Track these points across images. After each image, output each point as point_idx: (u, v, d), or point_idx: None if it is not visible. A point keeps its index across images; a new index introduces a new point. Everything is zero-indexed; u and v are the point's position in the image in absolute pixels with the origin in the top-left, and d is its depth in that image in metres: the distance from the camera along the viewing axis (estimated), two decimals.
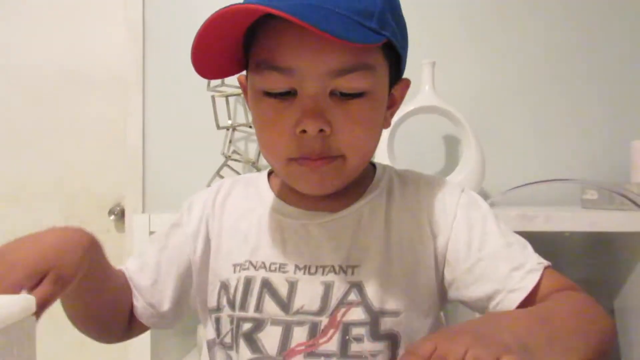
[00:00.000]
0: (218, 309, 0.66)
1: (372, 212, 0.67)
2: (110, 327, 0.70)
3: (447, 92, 1.34)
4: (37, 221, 1.65)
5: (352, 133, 0.59)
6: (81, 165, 1.67)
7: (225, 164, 1.43)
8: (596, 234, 1.24)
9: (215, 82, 1.41)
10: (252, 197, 0.71)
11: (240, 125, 1.46)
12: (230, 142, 1.45)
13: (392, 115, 0.68)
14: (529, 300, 0.61)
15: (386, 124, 0.67)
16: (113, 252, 1.72)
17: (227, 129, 1.45)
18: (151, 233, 1.19)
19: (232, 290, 0.65)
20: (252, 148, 1.53)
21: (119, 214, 1.65)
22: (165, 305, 0.70)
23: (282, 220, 0.67)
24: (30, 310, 0.34)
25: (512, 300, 0.61)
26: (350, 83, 0.57)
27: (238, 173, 1.42)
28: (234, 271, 0.66)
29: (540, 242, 1.33)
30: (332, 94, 0.57)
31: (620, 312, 1.29)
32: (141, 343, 1.51)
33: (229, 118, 1.45)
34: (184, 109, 1.55)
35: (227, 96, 1.43)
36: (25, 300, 0.34)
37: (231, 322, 0.63)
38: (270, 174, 0.74)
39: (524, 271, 0.62)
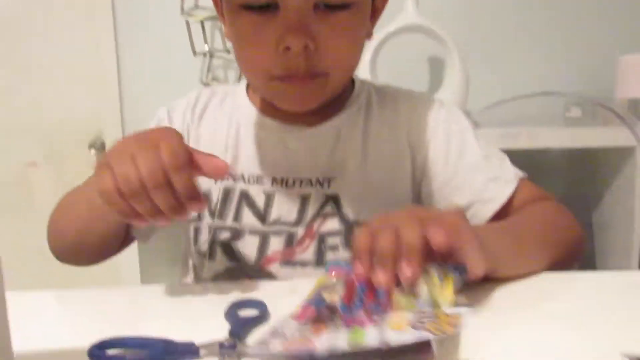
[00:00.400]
0: (198, 218, 0.65)
1: (351, 127, 0.66)
2: (112, 245, 0.65)
3: (430, 10, 1.29)
4: (16, 158, 1.62)
5: (337, 49, 0.56)
6: (55, 99, 1.62)
7: None
8: (578, 150, 1.25)
9: (189, 4, 1.35)
10: (231, 108, 0.69)
11: (218, 51, 1.41)
12: (208, 69, 1.41)
13: (373, 25, 0.65)
14: (504, 211, 0.62)
15: (369, 36, 0.64)
16: None
17: (205, 56, 1.40)
18: None
19: (211, 199, 0.65)
20: (232, 75, 1.49)
21: (100, 148, 1.61)
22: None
23: (261, 133, 0.66)
24: None
25: (487, 210, 0.62)
26: None
27: None
28: (214, 181, 0.65)
29: (524, 159, 1.34)
30: (316, 6, 0.54)
31: (598, 226, 1.33)
32: (130, 268, 1.54)
33: (206, 43, 1.40)
34: (158, 36, 1.49)
35: (202, 20, 1.37)
36: None
37: (209, 231, 0.64)
38: (248, 85, 0.71)
39: (499, 182, 0.63)
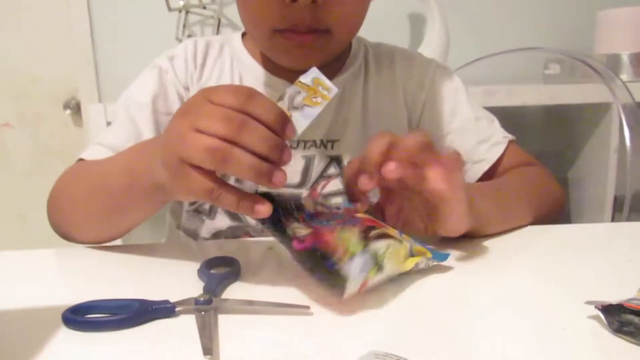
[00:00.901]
0: None
1: (352, 87, 0.66)
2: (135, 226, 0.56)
3: None
4: None
5: (342, 6, 0.55)
6: (28, 58, 1.56)
7: None
8: (556, 107, 1.26)
9: None
10: (231, 61, 0.66)
11: (193, 6, 1.37)
12: (184, 26, 1.37)
13: None
14: (492, 171, 0.65)
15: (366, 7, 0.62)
16: (72, 147, 1.69)
17: (180, 12, 1.36)
18: (109, 124, 1.15)
19: None
20: (208, 31, 1.45)
21: (75, 108, 1.58)
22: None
23: (266, 91, 0.63)
24: None
25: (476, 170, 0.65)
26: None
27: None
28: None
29: (502, 116, 1.35)
30: None
31: (573, 181, 1.36)
32: None
33: None
34: None
35: None
36: None
37: None
38: (243, 35, 0.69)
39: (489, 144, 0.66)
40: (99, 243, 0.54)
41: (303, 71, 0.60)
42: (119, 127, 0.62)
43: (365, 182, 0.42)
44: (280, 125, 0.39)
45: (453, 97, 0.68)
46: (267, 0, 0.54)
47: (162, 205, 0.50)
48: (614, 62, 1.24)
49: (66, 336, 0.35)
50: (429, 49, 1.29)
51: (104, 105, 1.16)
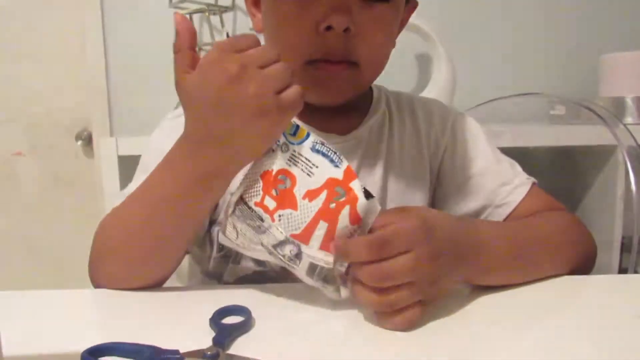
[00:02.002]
0: None
1: (377, 134, 0.67)
2: (180, 258, 0.56)
3: (418, 8, 1.30)
4: (1, 147, 1.61)
5: (373, 38, 0.57)
6: (42, 88, 1.60)
7: None
8: (562, 148, 1.27)
9: None
10: None
11: (206, 45, 1.40)
12: None
13: (397, 35, 0.65)
14: (516, 216, 0.63)
15: (394, 43, 0.64)
16: (83, 177, 1.71)
17: None
18: (120, 157, 1.17)
19: None
20: None
21: (87, 139, 1.61)
22: (206, 223, 0.62)
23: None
24: None
25: (499, 214, 0.64)
26: None
27: None
28: None
29: (509, 156, 1.36)
30: None
31: (582, 220, 1.36)
32: None
33: None
34: (146, 28, 1.48)
35: (190, 13, 1.36)
36: None
37: None
38: None
39: (511, 186, 0.65)
40: (157, 279, 0.53)
41: (325, 116, 0.62)
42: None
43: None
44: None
45: (473, 142, 0.69)
46: (301, 30, 0.56)
47: (216, 194, 0.50)
48: (618, 105, 1.26)
49: None
50: (435, 89, 1.31)
51: (115, 139, 1.18)
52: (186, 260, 0.71)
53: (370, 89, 0.71)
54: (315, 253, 0.44)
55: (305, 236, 0.44)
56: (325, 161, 0.45)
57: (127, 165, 1.15)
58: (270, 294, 0.51)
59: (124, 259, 0.52)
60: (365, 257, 0.42)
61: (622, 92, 1.27)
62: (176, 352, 0.38)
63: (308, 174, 0.45)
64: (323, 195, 0.44)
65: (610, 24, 1.49)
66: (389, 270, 0.42)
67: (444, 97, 1.30)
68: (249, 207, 0.45)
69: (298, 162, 0.45)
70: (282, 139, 0.46)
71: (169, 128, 0.64)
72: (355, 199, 0.43)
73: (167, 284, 0.56)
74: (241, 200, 0.46)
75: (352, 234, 0.44)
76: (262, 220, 0.45)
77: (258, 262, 0.63)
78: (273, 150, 0.45)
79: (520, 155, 1.35)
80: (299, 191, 0.45)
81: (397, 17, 0.60)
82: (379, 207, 0.45)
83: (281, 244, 0.45)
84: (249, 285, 0.54)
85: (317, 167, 0.45)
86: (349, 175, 0.45)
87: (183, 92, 0.46)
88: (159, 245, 0.51)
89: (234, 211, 0.46)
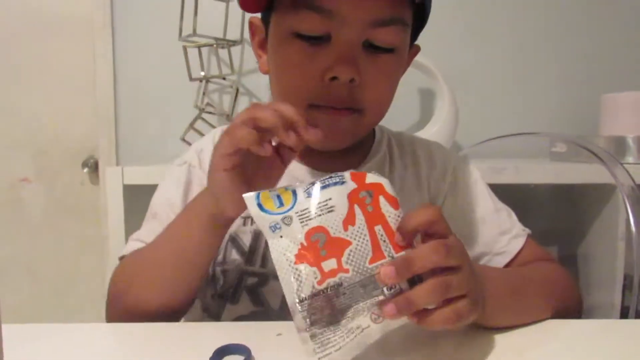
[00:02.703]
0: (224, 261, 0.66)
1: None
2: (188, 305, 0.61)
3: (421, 45, 1.33)
4: (8, 173, 1.63)
5: (377, 87, 0.58)
6: (51, 115, 1.63)
7: (199, 117, 1.41)
8: (563, 185, 1.28)
9: (187, 31, 1.37)
10: None
11: (213, 77, 1.43)
12: (204, 94, 1.43)
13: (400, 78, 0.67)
14: (513, 263, 0.66)
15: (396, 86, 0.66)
16: (88, 205, 1.72)
17: (200, 81, 1.42)
18: (125, 186, 1.18)
19: (241, 244, 0.65)
20: (227, 100, 1.51)
21: (93, 166, 1.63)
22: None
23: (292, 179, 0.65)
24: None
25: (497, 262, 0.66)
26: (386, 36, 0.56)
27: (213, 126, 1.41)
28: (244, 224, 0.65)
29: (510, 193, 1.37)
30: (364, 45, 0.57)
31: (583, 258, 1.36)
32: None
33: (202, 69, 1.42)
34: (156, 59, 1.52)
35: (199, 47, 1.40)
36: None
37: (237, 275, 0.64)
38: None
39: (510, 236, 0.67)
40: (171, 314, 0.58)
41: (324, 156, 0.63)
42: (155, 225, 0.63)
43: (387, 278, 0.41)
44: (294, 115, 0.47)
45: (473, 189, 0.70)
46: (306, 77, 0.57)
47: (220, 233, 0.55)
48: (619, 144, 1.27)
49: None
50: (437, 125, 1.33)
51: (121, 168, 1.19)
52: None
53: (373, 130, 0.72)
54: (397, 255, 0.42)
55: (377, 253, 0.42)
56: (332, 188, 0.43)
57: (132, 193, 1.16)
58: (271, 332, 0.52)
59: (147, 296, 0.57)
60: (435, 259, 0.41)
61: (623, 131, 1.28)
62: None
63: (329, 212, 0.43)
64: (357, 210, 0.43)
65: (612, 63, 1.51)
66: (455, 281, 0.41)
67: (446, 133, 1.32)
68: (319, 294, 0.41)
69: (310, 216, 0.43)
70: (278, 219, 0.42)
71: (177, 178, 0.68)
72: (380, 185, 0.44)
73: None
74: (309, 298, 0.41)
75: (399, 219, 0.43)
76: (340, 285, 0.41)
77: (255, 301, 0.64)
78: (281, 237, 0.42)
79: (522, 192, 1.37)
80: (337, 231, 0.42)
81: (401, 64, 0.62)
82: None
83: (369, 283, 0.41)
84: (249, 323, 0.54)
85: (330, 199, 0.43)
86: (358, 177, 0.44)
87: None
88: (179, 282, 0.57)
89: (313, 322, 0.41)
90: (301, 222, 0.42)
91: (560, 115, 1.51)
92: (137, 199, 0.67)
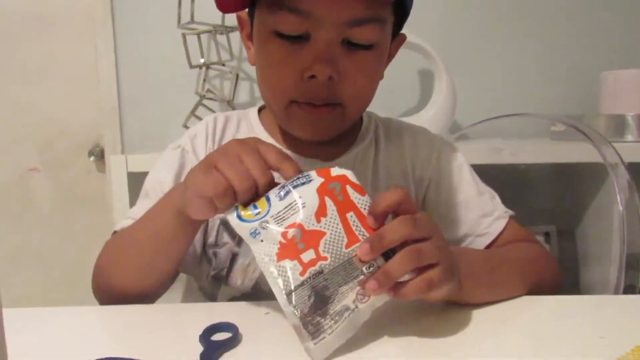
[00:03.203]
0: (216, 244, 0.68)
1: (362, 162, 0.70)
2: (167, 285, 0.65)
3: (418, 26, 1.33)
4: (15, 164, 1.67)
5: (356, 83, 0.60)
6: (56, 107, 1.66)
7: (200, 103, 1.43)
8: (560, 165, 1.28)
9: (185, 19, 1.39)
10: (247, 135, 0.69)
11: (213, 63, 1.45)
12: (204, 80, 1.45)
13: (384, 68, 0.69)
14: (494, 244, 0.69)
15: (381, 77, 0.68)
16: (95, 193, 1.76)
17: (200, 68, 1.44)
18: (129, 174, 1.21)
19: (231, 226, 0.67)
20: (227, 86, 1.52)
21: (99, 155, 1.66)
22: (198, 247, 0.69)
23: None
24: None
25: (479, 243, 0.69)
26: (363, 34, 0.57)
27: (214, 112, 1.42)
28: None
29: (509, 173, 1.38)
30: (343, 42, 0.58)
31: (581, 237, 1.37)
32: None
33: (202, 56, 1.44)
34: (156, 48, 1.53)
35: (198, 34, 1.41)
36: None
37: (229, 256, 0.67)
38: (260, 111, 0.74)
39: (491, 218, 0.70)
40: (145, 295, 0.60)
41: (315, 144, 0.65)
42: (146, 204, 0.66)
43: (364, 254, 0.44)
44: (279, 162, 0.48)
45: (457, 173, 0.72)
46: (286, 75, 0.59)
47: (189, 229, 0.57)
48: (619, 122, 1.27)
49: None
50: (436, 106, 1.34)
51: (125, 156, 1.22)
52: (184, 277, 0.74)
53: (360, 117, 0.73)
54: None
55: (352, 238, 0.45)
56: (301, 188, 0.46)
57: (137, 181, 1.19)
58: (259, 312, 0.54)
59: (123, 273, 0.60)
60: (404, 232, 0.44)
61: (623, 109, 1.28)
62: None
63: (302, 208, 0.45)
64: (327, 201, 0.46)
65: (612, 41, 1.50)
66: (425, 248, 0.44)
67: (445, 114, 1.33)
68: (303, 284, 0.43)
69: (285, 216, 0.46)
70: (256, 225, 0.46)
71: (170, 162, 0.70)
72: (344, 176, 0.47)
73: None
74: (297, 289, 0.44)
75: (368, 204, 0.46)
76: (321, 272, 0.43)
77: (247, 283, 0.66)
78: (261, 241, 0.45)
79: (520, 172, 1.38)
80: (311, 224, 0.45)
81: (381, 58, 0.63)
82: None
83: (348, 266, 0.44)
84: (239, 303, 0.57)
85: (300, 197, 0.46)
86: (324, 172, 0.48)
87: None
88: (152, 266, 0.60)
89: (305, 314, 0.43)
90: (277, 224, 0.45)
91: (560, 94, 1.51)
92: (142, 185, 0.71)
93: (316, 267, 0.43)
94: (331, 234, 0.45)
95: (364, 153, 0.70)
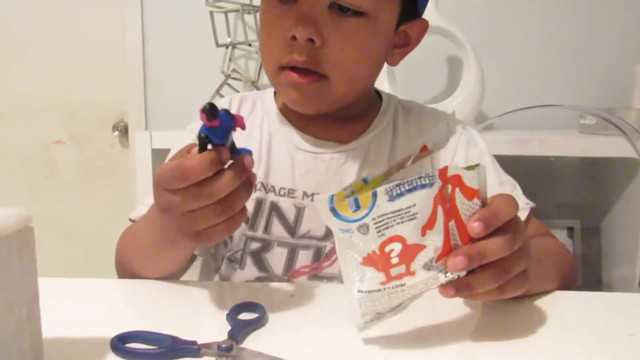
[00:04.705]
0: None
1: (379, 145, 0.68)
2: (180, 272, 0.65)
3: (450, 13, 1.31)
4: (41, 136, 1.69)
5: (341, 52, 0.58)
6: (82, 80, 1.67)
7: (225, 83, 1.43)
8: (588, 158, 1.26)
9: None
10: (261, 116, 0.70)
11: (239, 43, 1.44)
12: (230, 60, 1.44)
13: (402, 55, 0.67)
14: None
15: (392, 61, 0.66)
16: (119, 167, 1.78)
17: (227, 47, 1.43)
18: (153, 150, 1.22)
19: (247, 209, 0.67)
20: (252, 66, 1.52)
21: (123, 130, 1.67)
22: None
23: (293, 147, 0.67)
24: (28, 221, 0.37)
25: None
26: None
27: (238, 92, 1.42)
28: None
29: (535, 165, 1.36)
30: (331, 7, 0.57)
31: (606, 232, 1.35)
32: None
33: (229, 35, 1.43)
34: (183, 24, 1.53)
35: (226, 12, 1.40)
36: (23, 212, 0.37)
37: (241, 240, 0.67)
38: (276, 92, 0.73)
39: None
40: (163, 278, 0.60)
41: (326, 125, 0.64)
42: None
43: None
44: (212, 166, 0.42)
45: (478, 160, 0.69)
46: (274, 37, 0.60)
47: (183, 250, 0.56)
48: None
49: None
50: (464, 93, 1.31)
51: (149, 132, 1.23)
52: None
53: (380, 98, 0.72)
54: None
55: (446, 248, 0.40)
56: (419, 192, 0.39)
57: (160, 158, 1.20)
58: (285, 293, 0.55)
59: (135, 263, 0.61)
60: (505, 253, 0.41)
61: None
62: (194, 342, 0.42)
63: (410, 220, 0.39)
64: (439, 211, 0.40)
65: None
66: (513, 265, 0.42)
67: (472, 102, 1.31)
68: (379, 291, 0.41)
69: (389, 224, 0.40)
70: (352, 226, 0.40)
71: (183, 144, 0.68)
72: (459, 177, 0.40)
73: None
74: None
75: (471, 209, 0.40)
76: (403, 285, 0.41)
77: (259, 267, 0.66)
78: (351, 237, 0.40)
79: (546, 164, 1.36)
80: (414, 238, 0.40)
81: (375, 34, 0.60)
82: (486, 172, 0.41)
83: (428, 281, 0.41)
84: (265, 283, 0.57)
85: (414, 205, 0.39)
86: (442, 172, 0.40)
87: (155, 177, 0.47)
88: (155, 265, 0.59)
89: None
90: (377, 231, 0.39)
91: (592, 86, 1.47)
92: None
93: (401, 281, 0.40)
94: (430, 246, 0.40)
95: (381, 136, 0.69)
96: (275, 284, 0.57)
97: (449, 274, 0.40)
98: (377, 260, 0.40)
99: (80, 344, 0.44)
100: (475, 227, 0.39)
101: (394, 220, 0.39)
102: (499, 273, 0.41)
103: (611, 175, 1.30)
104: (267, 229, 0.66)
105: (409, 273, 0.40)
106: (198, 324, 0.47)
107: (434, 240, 0.40)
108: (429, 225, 0.39)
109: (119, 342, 0.42)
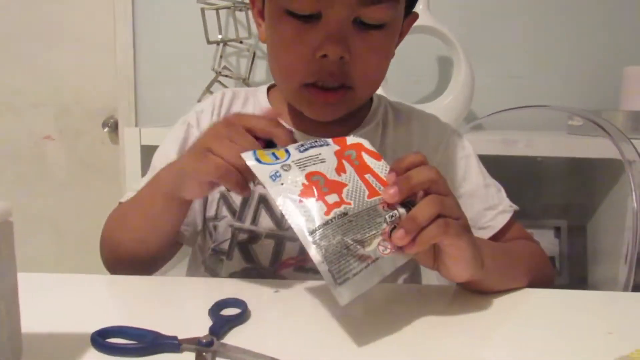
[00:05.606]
0: (216, 217, 0.69)
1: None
2: (166, 254, 0.69)
3: (440, 12, 1.31)
4: (31, 131, 1.68)
5: (367, 63, 0.59)
6: (72, 76, 1.66)
7: (215, 80, 1.43)
8: (574, 159, 1.27)
9: None
10: (253, 111, 0.71)
11: (231, 40, 1.44)
12: (221, 57, 1.44)
13: (396, 46, 0.68)
14: (496, 239, 0.68)
15: (392, 55, 0.67)
16: (108, 164, 1.77)
17: (218, 44, 1.43)
18: (142, 147, 1.22)
19: (231, 201, 0.68)
20: (243, 64, 1.52)
21: (113, 126, 1.66)
22: (199, 221, 0.71)
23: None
24: (7, 215, 0.36)
25: (482, 235, 0.67)
26: (375, 13, 0.57)
27: None
28: None
29: (523, 165, 1.36)
30: (354, 22, 0.57)
31: (592, 232, 1.37)
32: None
33: (220, 32, 1.43)
34: (174, 21, 1.53)
35: (217, 9, 1.40)
36: (1, 206, 0.36)
37: (227, 231, 0.67)
38: (269, 89, 0.74)
39: (496, 211, 0.69)
40: (145, 262, 0.63)
41: (321, 124, 0.65)
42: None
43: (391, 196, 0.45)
44: (271, 128, 0.51)
45: (464, 163, 0.71)
46: (298, 55, 0.59)
47: (178, 209, 0.59)
48: (638, 119, 1.25)
49: (91, 356, 0.41)
50: (453, 93, 1.32)
51: (139, 129, 1.23)
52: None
53: (371, 98, 0.73)
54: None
55: (373, 191, 0.46)
56: (319, 148, 0.48)
57: (149, 154, 1.19)
58: (269, 289, 0.55)
59: (123, 243, 0.64)
60: (430, 175, 0.46)
61: None
62: (174, 338, 0.42)
63: (321, 162, 0.47)
64: (345, 163, 0.47)
65: (636, 36, 1.47)
66: (448, 201, 0.47)
67: (462, 102, 1.31)
68: (327, 223, 0.43)
69: (307, 162, 0.47)
70: (277, 167, 0.46)
71: (176, 136, 0.71)
72: (360, 144, 0.50)
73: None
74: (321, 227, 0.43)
75: (384, 168, 0.48)
76: (345, 214, 0.44)
77: (246, 258, 0.67)
78: (282, 184, 0.45)
79: (533, 165, 1.37)
80: (332, 175, 0.46)
81: (392, 39, 0.62)
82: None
83: (371, 213, 0.45)
84: (249, 279, 0.57)
85: (320, 154, 0.48)
86: (340, 140, 0.50)
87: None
88: (146, 240, 0.62)
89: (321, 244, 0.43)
90: (299, 168, 0.46)
91: (581, 87, 1.48)
92: None
93: (341, 209, 0.44)
94: (352, 186, 0.46)
95: (371, 135, 0.69)
96: (259, 280, 0.57)
97: (391, 218, 0.45)
98: (310, 190, 0.44)
99: (60, 339, 0.44)
100: (390, 177, 0.47)
101: (309, 162, 0.47)
102: (435, 199, 0.45)
103: (596, 175, 1.31)
104: (254, 220, 0.67)
105: (345, 202, 0.44)
106: (180, 320, 0.48)
107: (353, 182, 0.46)
108: (340, 168, 0.47)
109: (100, 337, 0.42)
